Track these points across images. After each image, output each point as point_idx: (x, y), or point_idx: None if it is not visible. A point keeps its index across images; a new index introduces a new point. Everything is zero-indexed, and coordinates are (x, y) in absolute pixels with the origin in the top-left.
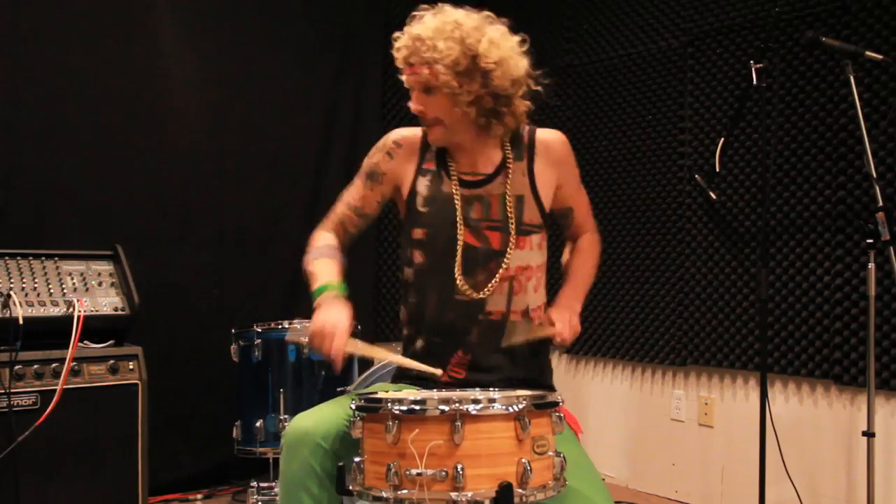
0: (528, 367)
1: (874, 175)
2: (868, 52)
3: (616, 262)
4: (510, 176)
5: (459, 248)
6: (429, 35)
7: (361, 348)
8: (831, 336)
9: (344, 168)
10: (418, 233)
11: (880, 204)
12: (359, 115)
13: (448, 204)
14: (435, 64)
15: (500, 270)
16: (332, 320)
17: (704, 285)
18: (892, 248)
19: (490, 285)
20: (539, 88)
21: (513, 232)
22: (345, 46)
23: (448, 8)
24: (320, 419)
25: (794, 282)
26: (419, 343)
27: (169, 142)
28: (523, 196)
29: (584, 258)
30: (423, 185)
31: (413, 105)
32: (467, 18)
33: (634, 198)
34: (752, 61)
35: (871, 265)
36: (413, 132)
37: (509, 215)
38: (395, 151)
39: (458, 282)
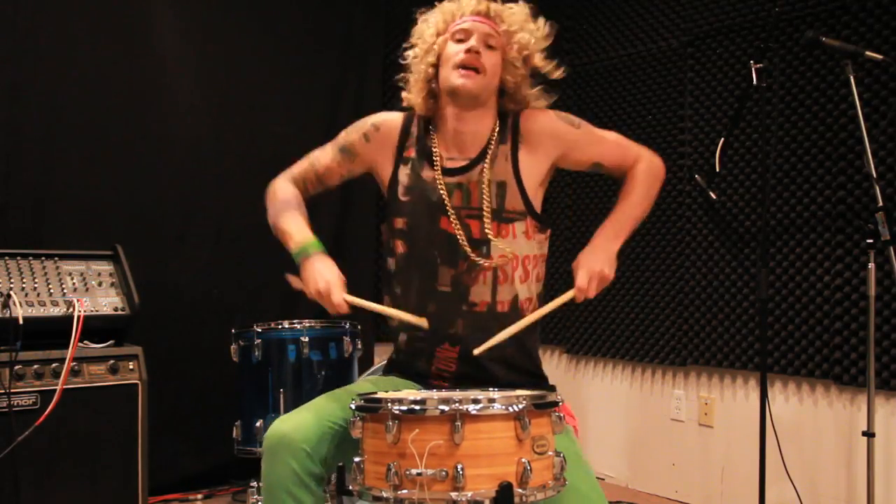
0: (519, 356)
1: (874, 175)
2: (868, 52)
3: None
4: (493, 161)
5: (439, 237)
6: (516, 19)
7: (358, 301)
8: (831, 336)
9: None
10: (399, 222)
11: (880, 204)
12: (359, 115)
13: (429, 192)
14: (509, 34)
15: (483, 260)
16: (325, 277)
17: (704, 285)
18: (892, 248)
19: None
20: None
21: (491, 219)
22: (345, 46)
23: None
24: (299, 423)
25: (794, 282)
26: (402, 336)
27: (169, 142)
28: (505, 182)
29: (628, 191)
30: (403, 173)
31: (473, 45)
32: (539, 21)
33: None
34: (752, 61)
35: (871, 265)
36: (394, 117)
37: (492, 203)
38: (372, 135)
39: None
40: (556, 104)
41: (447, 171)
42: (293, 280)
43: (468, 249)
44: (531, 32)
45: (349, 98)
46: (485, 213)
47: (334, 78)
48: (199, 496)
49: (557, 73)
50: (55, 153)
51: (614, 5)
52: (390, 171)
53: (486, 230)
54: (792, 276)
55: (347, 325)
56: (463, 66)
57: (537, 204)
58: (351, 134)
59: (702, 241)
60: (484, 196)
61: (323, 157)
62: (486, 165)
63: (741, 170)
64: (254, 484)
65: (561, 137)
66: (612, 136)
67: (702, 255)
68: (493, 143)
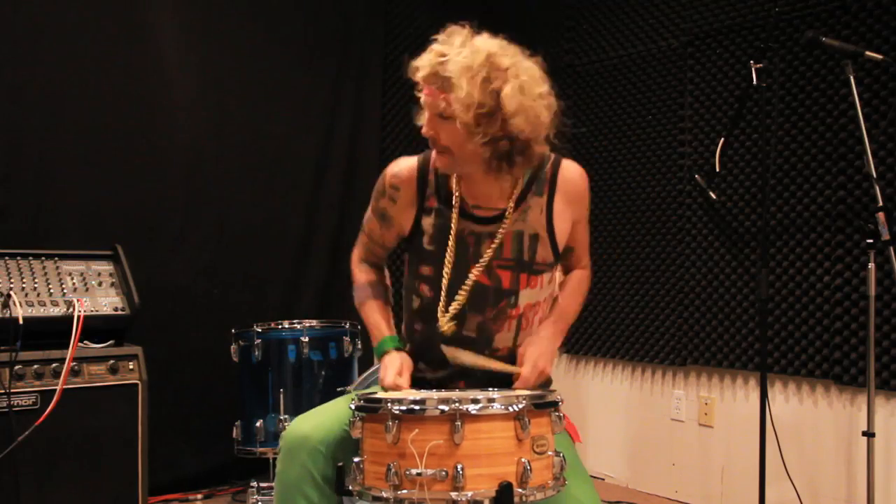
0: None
1: (874, 175)
2: (868, 52)
3: (616, 261)
4: (527, 213)
5: (468, 286)
6: (455, 69)
7: (404, 386)
8: (831, 336)
9: (344, 168)
10: (426, 269)
11: (880, 204)
12: (359, 114)
13: (458, 242)
14: (455, 100)
15: (510, 310)
16: (386, 369)
17: (704, 285)
18: (892, 248)
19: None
20: (564, 130)
21: (522, 270)
22: (345, 46)
23: (480, 38)
24: (319, 423)
25: (794, 282)
26: (426, 372)
27: (169, 142)
28: (538, 235)
29: (573, 295)
30: (427, 223)
31: (425, 128)
32: (501, 55)
33: (634, 198)
34: (752, 61)
35: (871, 265)
36: (407, 167)
37: (523, 256)
38: (395, 195)
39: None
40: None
41: (476, 219)
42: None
43: (498, 299)
44: (480, 81)
45: (349, 98)
46: (523, 266)
47: (334, 78)
48: (199, 496)
49: (535, 95)
50: (55, 153)
51: (614, 5)
52: (412, 221)
53: (520, 283)
54: (792, 276)
55: (347, 325)
56: (430, 142)
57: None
58: (380, 200)
59: (702, 241)
60: (524, 248)
61: (374, 228)
62: (523, 216)
63: (741, 170)
64: (254, 484)
65: (584, 206)
66: (586, 235)
67: (702, 255)
68: (527, 193)
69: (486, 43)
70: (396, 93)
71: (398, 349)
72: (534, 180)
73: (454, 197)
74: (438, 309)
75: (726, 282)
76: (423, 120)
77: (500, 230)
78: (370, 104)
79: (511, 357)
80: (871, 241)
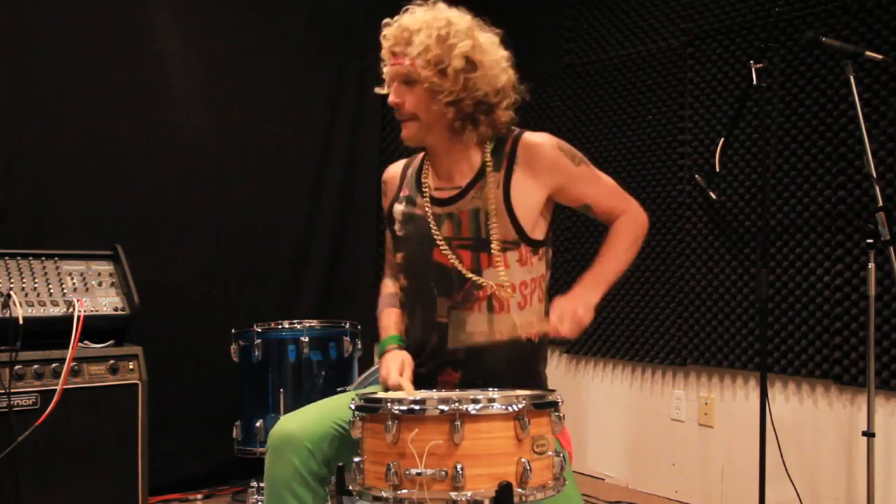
0: (522, 379)
1: (874, 175)
2: (868, 52)
3: None
4: (484, 189)
5: (433, 268)
6: (415, 27)
7: (409, 389)
8: (831, 336)
9: (344, 168)
10: (399, 257)
11: (880, 204)
12: (359, 114)
13: (421, 224)
14: (417, 57)
15: (477, 291)
16: (386, 367)
17: (704, 285)
18: (892, 248)
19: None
20: (524, 98)
21: (482, 249)
22: (345, 45)
23: (442, 5)
24: (305, 421)
25: (794, 282)
26: (422, 370)
27: (169, 142)
28: (495, 211)
29: (611, 244)
30: (398, 210)
31: (392, 96)
32: (459, 19)
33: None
34: (752, 61)
35: (871, 265)
36: (395, 166)
37: (480, 233)
38: (387, 193)
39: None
40: (555, 103)
41: (436, 202)
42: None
43: (462, 280)
44: (440, 38)
45: (349, 98)
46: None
47: (334, 78)
48: (199, 496)
49: (493, 57)
50: (55, 153)
51: (614, 5)
52: (388, 210)
53: (481, 262)
54: (792, 276)
55: (347, 325)
56: (398, 119)
57: (533, 230)
58: (383, 202)
59: (702, 241)
60: (481, 226)
61: (387, 237)
62: (478, 193)
63: (741, 170)
64: (254, 484)
65: (560, 170)
66: (608, 181)
67: (702, 255)
68: (488, 168)
69: (447, 10)
70: None
71: (399, 346)
72: (494, 155)
73: (422, 184)
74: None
75: (726, 282)
76: (389, 90)
77: (459, 208)
78: (370, 104)
79: (489, 341)
80: (871, 241)
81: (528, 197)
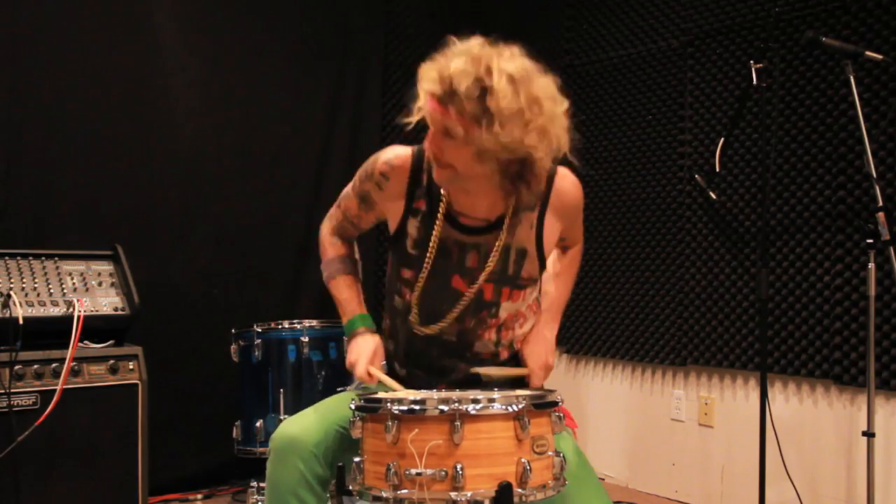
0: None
1: (874, 175)
2: (868, 52)
3: (616, 261)
4: (517, 227)
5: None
6: (464, 80)
7: (384, 378)
8: (831, 336)
9: (344, 168)
10: (408, 273)
11: (880, 204)
12: (359, 114)
13: (443, 249)
14: (462, 115)
15: (490, 319)
16: (357, 352)
17: (704, 285)
18: (892, 248)
19: (443, 322)
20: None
21: (506, 284)
22: (345, 46)
23: (497, 55)
24: (308, 424)
25: (794, 282)
26: (401, 371)
27: (169, 142)
28: (526, 251)
29: (564, 278)
30: (413, 226)
31: (429, 145)
32: (521, 77)
33: (634, 198)
34: (751, 61)
35: (871, 265)
36: (402, 158)
37: (508, 270)
38: (383, 184)
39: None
40: None
41: (463, 229)
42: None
43: (478, 309)
44: (491, 97)
45: (349, 98)
46: (506, 279)
47: (334, 78)
48: (199, 496)
49: (553, 117)
50: (55, 153)
51: (614, 5)
52: (398, 219)
53: (503, 295)
54: (792, 276)
55: None
56: (433, 157)
57: (547, 260)
58: (365, 182)
59: (702, 241)
60: (510, 262)
61: (350, 204)
62: (511, 231)
63: (741, 170)
64: (254, 484)
65: (574, 215)
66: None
67: (702, 255)
68: (518, 208)
69: (503, 61)
70: (396, 92)
71: (370, 329)
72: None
73: (441, 204)
74: (411, 315)
75: (726, 282)
76: (415, 117)
77: (488, 241)
78: (370, 104)
79: (492, 360)
80: (871, 241)
81: (553, 235)
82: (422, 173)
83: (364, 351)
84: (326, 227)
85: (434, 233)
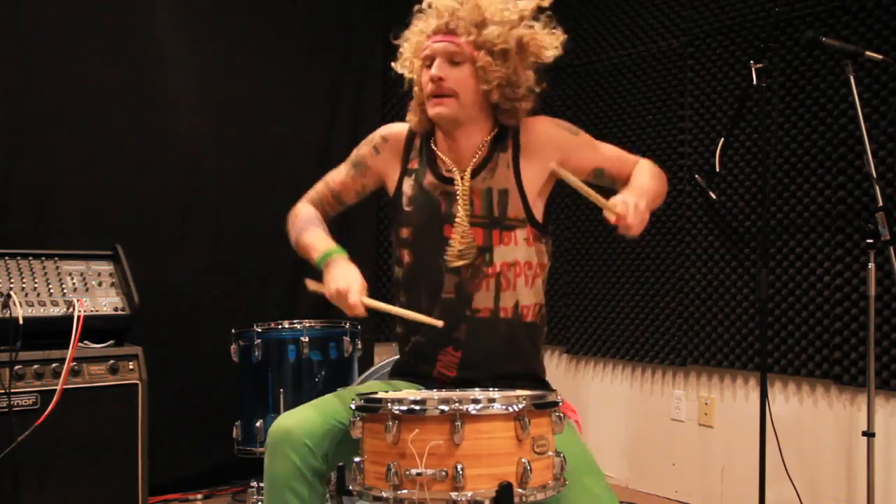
0: (521, 362)
1: (874, 175)
2: (868, 52)
3: (616, 261)
4: (495, 169)
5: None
6: (491, 8)
7: (374, 303)
8: (831, 336)
9: None
10: (405, 232)
11: (880, 204)
12: (359, 114)
13: (431, 201)
14: (475, 36)
15: (486, 268)
16: (345, 278)
17: (704, 285)
18: (892, 248)
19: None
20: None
21: (494, 226)
22: (345, 46)
23: None
24: (303, 418)
25: (794, 282)
26: (407, 340)
27: (169, 142)
28: (507, 190)
29: (637, 176)
30: (407, 184)
31: (436, 71)
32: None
33: None
34: (751, 61)
35: (871, 265)
36: (400, 128)
37: (493, 211)
38: (381, 147)
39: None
40: (556, 103)
41: (448, 181)
42: (310, 284)
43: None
44: (499, 22)
45: (349, 97)
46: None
47: (334, 77)
48: (199, 496)
49: (553, 50)
50: (55, 153)
51: (614, 5)
52: (396, 181)
53: (493, 239)
54: (792, 276)
55: (347, 325)
56: (433, 94)
57: (537, 212)
58: (361, 148)
59: (702, 241)
60: (494, 204)
61: (337, 175)
62: (490, 173)
63: (741, 170)
64: (254, 484)
65: (560, 143)
66: (610, 146)
67: (702, 255)
68: (493, 151)
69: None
70: (396, 92)
71: (348, 259)
72: (498, 138)
73: (435, 163)
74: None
75: (726, 282)
76: (410, 67)
77: (471, 187)
78: (370, 104)
79: (493, 318)
80: (871, 241)
81: (534, 176)
82: (415, 138)
83: (352, 278)
84: (301, 202)
85: (426, 185)
